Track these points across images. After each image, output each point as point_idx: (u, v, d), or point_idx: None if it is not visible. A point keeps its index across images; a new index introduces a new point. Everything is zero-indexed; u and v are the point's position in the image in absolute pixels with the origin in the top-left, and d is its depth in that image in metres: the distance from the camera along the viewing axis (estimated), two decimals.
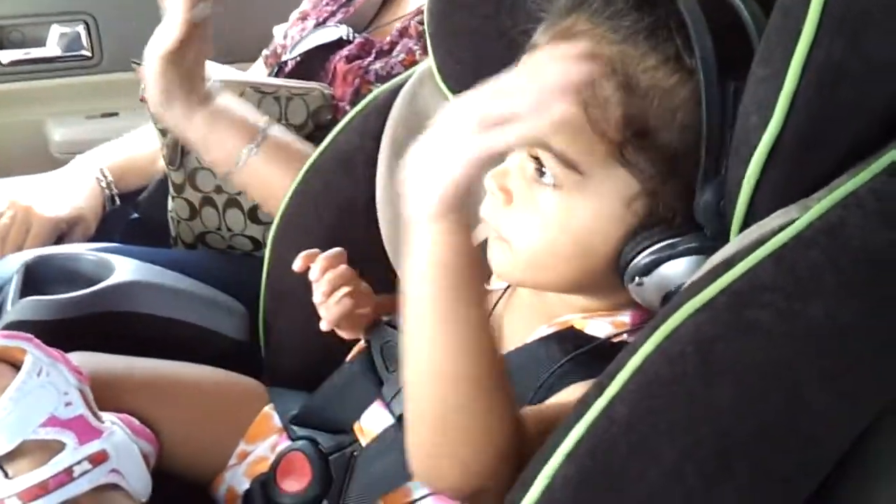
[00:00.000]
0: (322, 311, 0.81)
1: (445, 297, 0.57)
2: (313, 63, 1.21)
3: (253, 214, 1.14)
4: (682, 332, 0.53)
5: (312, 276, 0.80)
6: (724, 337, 0.52)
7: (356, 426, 0.80)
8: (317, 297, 0.80)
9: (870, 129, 0.54)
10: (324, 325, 0.82)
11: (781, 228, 0.53)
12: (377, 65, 1.14)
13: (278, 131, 1.02)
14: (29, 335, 0.74)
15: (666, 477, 0.51)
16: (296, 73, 1.22)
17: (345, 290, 0.80)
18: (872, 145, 0.54)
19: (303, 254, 0.81)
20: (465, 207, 0.56)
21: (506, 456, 0.58)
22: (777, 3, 0.55)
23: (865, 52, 0.51)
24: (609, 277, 0.67)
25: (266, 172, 0.99)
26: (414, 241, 0.57)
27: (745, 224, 0.58)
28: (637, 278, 0.66)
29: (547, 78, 0.52)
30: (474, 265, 0.58)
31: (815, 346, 0.52)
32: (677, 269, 0.64)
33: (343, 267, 0.80)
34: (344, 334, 0.84)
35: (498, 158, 0.70)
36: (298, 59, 1.23)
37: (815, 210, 0.53)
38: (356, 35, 1.21)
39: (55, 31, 1.70)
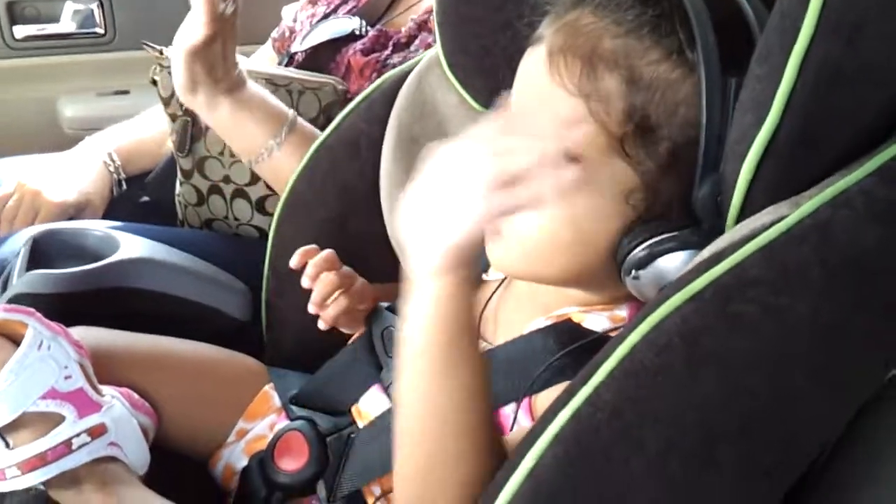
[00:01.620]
0: (319, 313, 0.83)
1: (441, 354, 0.60)
2: (324, 55, 1.20)
3: (260, 205, 1.14)
4: (669, 324, 0.53)
5: (304, 282, 0.81)
6: (710, 329, 0.52)
7: (354, 409, 0.81)
8: (311, 305, 0.82)
9: (864, 130, 0.54)
10: (321, 325, 0.83)
11: (772, 224, 0.54)
12: (395, 58, 1.13)
13: (303, 124, 1.01)
14: (30, 309, 0.74)
15: (649, 465, 0.52)
16: (305, 65, 1.20)
17: (337, 293, 0.81)
18: (866, 146, 0.54)
19: (299, 251, 0.82)
20: (469, 265, 0.58)
21: None
22: (776, 4, 0.55)
23: (862, 54, 0.51)
24: (606, 270, 0.67)
25: (289, 164, 0.99)
26: (415, 292, 0.59)
27: (740, 220, 0.58)
28: (634, 271, 0.65)
29: (549, 145, 0.56)
30: (472, 322, 0.61)
31: (801, 340, 0.52)
32: (673, 264, 0.63)
33: (333, 273, 0.81)
34: (344, 330, 0.85)
35: None
36: (309, 50, 1.22)
37: (806, 207, 0.53)
38: (368, 28, 1.20)
39: (69, 8, 1.70)
